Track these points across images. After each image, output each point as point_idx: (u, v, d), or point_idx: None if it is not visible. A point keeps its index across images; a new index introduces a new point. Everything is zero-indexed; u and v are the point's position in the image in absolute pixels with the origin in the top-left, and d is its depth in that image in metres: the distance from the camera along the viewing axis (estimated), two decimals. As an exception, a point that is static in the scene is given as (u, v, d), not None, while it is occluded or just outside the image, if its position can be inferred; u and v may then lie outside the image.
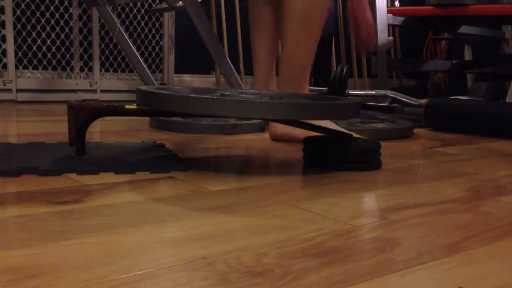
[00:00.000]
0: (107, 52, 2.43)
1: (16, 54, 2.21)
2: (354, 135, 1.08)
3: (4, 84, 2.18)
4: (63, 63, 2.33)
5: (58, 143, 1.09)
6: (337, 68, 1.75)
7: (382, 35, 2.37)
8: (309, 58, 1.28)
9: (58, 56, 2.32)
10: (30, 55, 2.25)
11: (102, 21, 2.33)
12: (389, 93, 1.94)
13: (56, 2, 2.27)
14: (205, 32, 1.51)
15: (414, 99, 1.84)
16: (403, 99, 1.87)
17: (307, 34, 1.26)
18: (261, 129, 1.51)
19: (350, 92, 1.86)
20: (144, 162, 0.93)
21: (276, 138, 1.31)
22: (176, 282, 0.45)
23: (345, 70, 1.67)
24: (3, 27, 2.16)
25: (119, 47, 2.39)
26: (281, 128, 1.29)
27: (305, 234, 0.59)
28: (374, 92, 1.99)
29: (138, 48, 2.45)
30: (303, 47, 1.27)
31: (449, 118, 1.64)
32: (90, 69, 2.40)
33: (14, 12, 2.18)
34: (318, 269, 0.49)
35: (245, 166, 1.03)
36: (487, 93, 2.60)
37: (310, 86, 2.50)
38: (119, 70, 2.48)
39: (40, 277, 0.44)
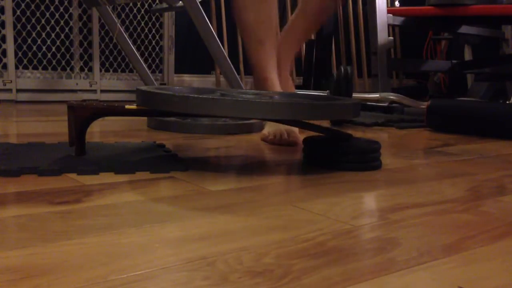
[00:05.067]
0: (107, 52, 2.43)
1: (16, 54, 2.21)
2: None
3: (4, 84, 2.18)
4: (63, 63, 2.33)
5: (58, 143, 1.09)
6: (337, 69, 1.74)
7: (382, 35, 2.37)
8: (255, 60, 1.34)
9: (58, 56, 2.32)
10: (30, 55, 2.25)
11: (102, 21, 2.33)
12: (393, 95, 1.95)
13: (56, 2, 2.27)
14: (205, 32, 1.51)
15: (419, 102, 1.84)
16: (408, 102, 1.87)
17: (246, 36, 1.36)
18: (261, 129, 1.50)
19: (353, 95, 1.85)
20: (144, 162, 0.93)
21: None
22: (176, 282, 0.45)
23: (349, 70, 1.66)
24: (3, 27, 2.16)
25: (119, 47, 2.39)
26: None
27: (305, 234, 0.59)
28: (378, 95, 1.99)
29: (138, 48, 2.45)
30: (250, 50, 1.35)
31: (451, 120, 1.64)
32: (90, 69, 2.40)
33: (14, 12, 2.18)
34: (318, 269, 0.49)
35: (245, 166, 1.03)
36: (487, 93, 2.60)
37: (310, 88, 2.50)
38: (119, 70, 2.48)
39: (40, 277, 0.44)
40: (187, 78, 2.70)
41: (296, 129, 1.28)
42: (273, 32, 1.34)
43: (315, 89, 2.46)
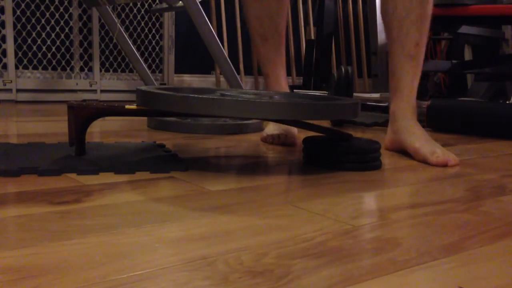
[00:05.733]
0: (107, 52, 2.43)
1: (16, 54, 2.21)
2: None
3: (4, 84, 2.18)
4: (63, 63, 2.33)
5: (58, 143, 1.09)
6: (338, 69, 1.74)
7: (382, 35, 2.37)
8: (258, 56, 1.35)
9: (58, 56, 2.32)
10: (30, 55, 2.25)
11: (102, 21, 2.33)
12: None
13: (56, 2, 2.27)
14: (205, 32, 1.51)
15: (419, 102, 1.84)
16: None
17: (250, 31, 1.32)
18: (261, 129, 1.51)
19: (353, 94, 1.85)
20: (144, 162, 0.93)
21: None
22: (176, 282, 0.45)
23: (350, 70, 1.66)
24: (3, 27, 2.16)
25: (119, 47, 2.39)
26: None
27: (305, 234, 0.59)
28: (378, 95, 2.00)
29: (138, 48, 2.45)
30: (254, 46, 1.34)
31: (451, 120, 1.64)
32: (90, 69, 2.40)
33: (14, 12, 2.18)
34: (318, 269, 0.49)
35: (245, 166, 1.03)
36: (487, 93, 2.60)
37: (309, 89, 2.51)
38: (119, 70, 2.48)
39: (40, 277, 0.44)
40: (187, 78, 2.70)
41: (295, 130, 1.27)
42: (279, 28, 1.29)
43: (315, 89, 2.46)
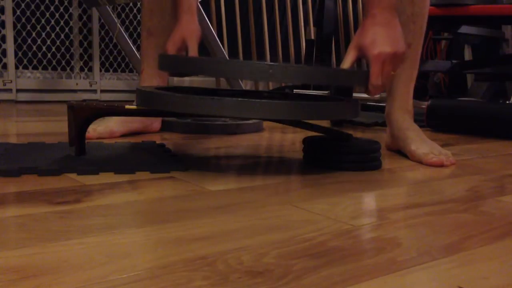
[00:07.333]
0: (107, 52, 2.43)
1: (16, 54, 2.21)
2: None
3: (4, 84, 2.18)
4: (63, 63, 2.33)
5: (58, 143, 1.09)
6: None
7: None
8: (141, 49, 1.34)
9: (58, 56, 2.32)
10: (30, 55, 2.25)
11: (102, 21, 2.33)
12: None
13: (56, 2, 2.27)
14: (205, 32, 1.51)
15: (419, 102, 1.84)
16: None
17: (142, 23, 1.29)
18: (261, 129, 1.51)
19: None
20: (144, 162, 0.93)
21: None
22: (176, 282, 0.45)
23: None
24: (3, 27, 2.16)
25: (119, 47, 2.39)
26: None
27: (305, 234, 0.59)
28: (378, 95, 1.99)
29: (138, 48, 2.46)
30: (141, 38, 1.32)
31: (451, 120, 1.64)
32: (90, 69, 2.40)
33: (14, 12, 2.18)
34: (318, 269, 0.49)
35: (245, 166, 1.03)
36: (487, 93, 2.60)
37: (309, 89, 2.50)
38: (119, 70, 2.48)
39: (40, 277, 0.44)
40: (187, 78, 2.70)
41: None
42: (168, 28, 1.20)
43: (315, 89, 2.46)
